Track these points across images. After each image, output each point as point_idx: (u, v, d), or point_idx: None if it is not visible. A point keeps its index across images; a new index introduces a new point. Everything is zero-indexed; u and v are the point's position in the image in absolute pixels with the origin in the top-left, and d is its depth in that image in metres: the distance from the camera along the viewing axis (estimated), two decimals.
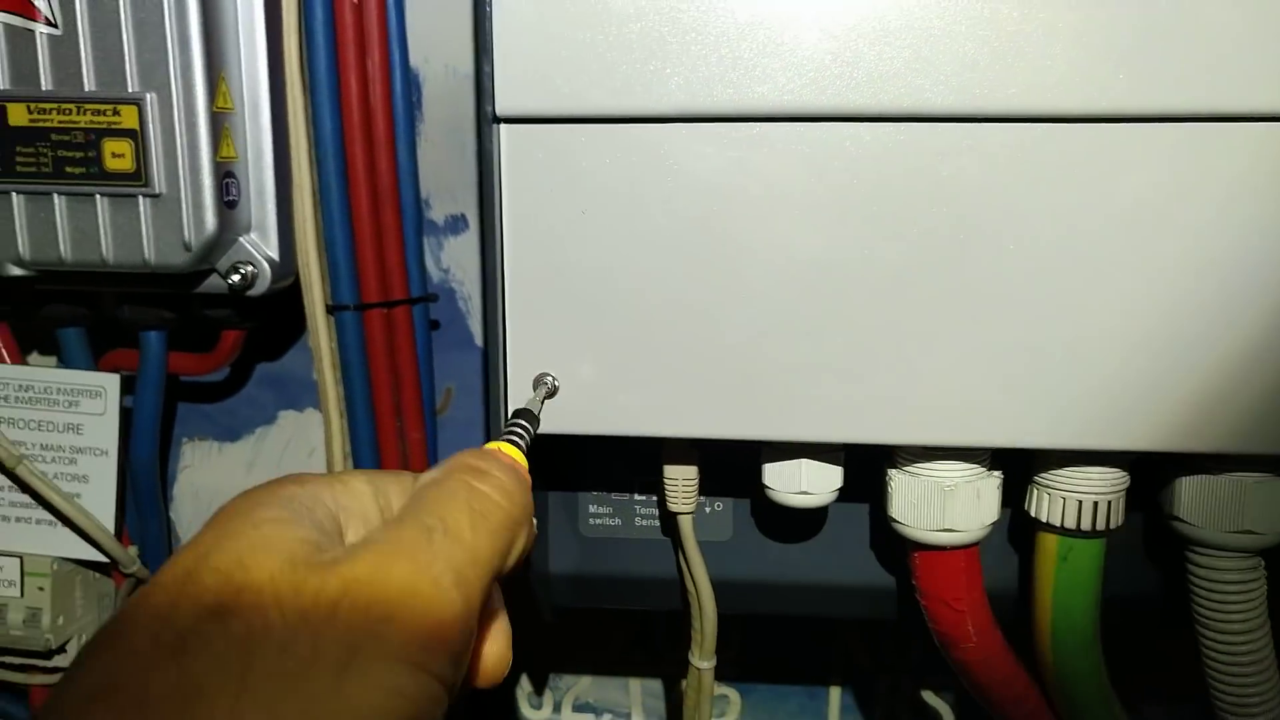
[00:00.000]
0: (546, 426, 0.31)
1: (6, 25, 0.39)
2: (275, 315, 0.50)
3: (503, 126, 0.30)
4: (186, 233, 0.41)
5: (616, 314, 0.31)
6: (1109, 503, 0.35)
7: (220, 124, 0.42)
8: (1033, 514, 0.36)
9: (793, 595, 0.41)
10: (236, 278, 0.44)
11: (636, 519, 0.41)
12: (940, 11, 0.29)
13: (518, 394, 0.32)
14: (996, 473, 0.36)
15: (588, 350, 0.32)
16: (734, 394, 0.32)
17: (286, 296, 0.47)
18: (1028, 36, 0.29)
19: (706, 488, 0.40)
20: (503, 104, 0.30)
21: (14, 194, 0.41)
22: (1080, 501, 0.35)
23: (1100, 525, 0.35)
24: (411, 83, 0.48)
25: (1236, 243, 0.30)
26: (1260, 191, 0.30)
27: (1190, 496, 0.35)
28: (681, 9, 0.29)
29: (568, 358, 0.32)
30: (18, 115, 0.40)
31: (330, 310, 0.47)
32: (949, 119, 0.29)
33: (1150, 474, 0.37)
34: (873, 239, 0.30)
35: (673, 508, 0.38)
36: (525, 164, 0.30)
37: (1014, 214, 0.30)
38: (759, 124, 0.30)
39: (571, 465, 0.42)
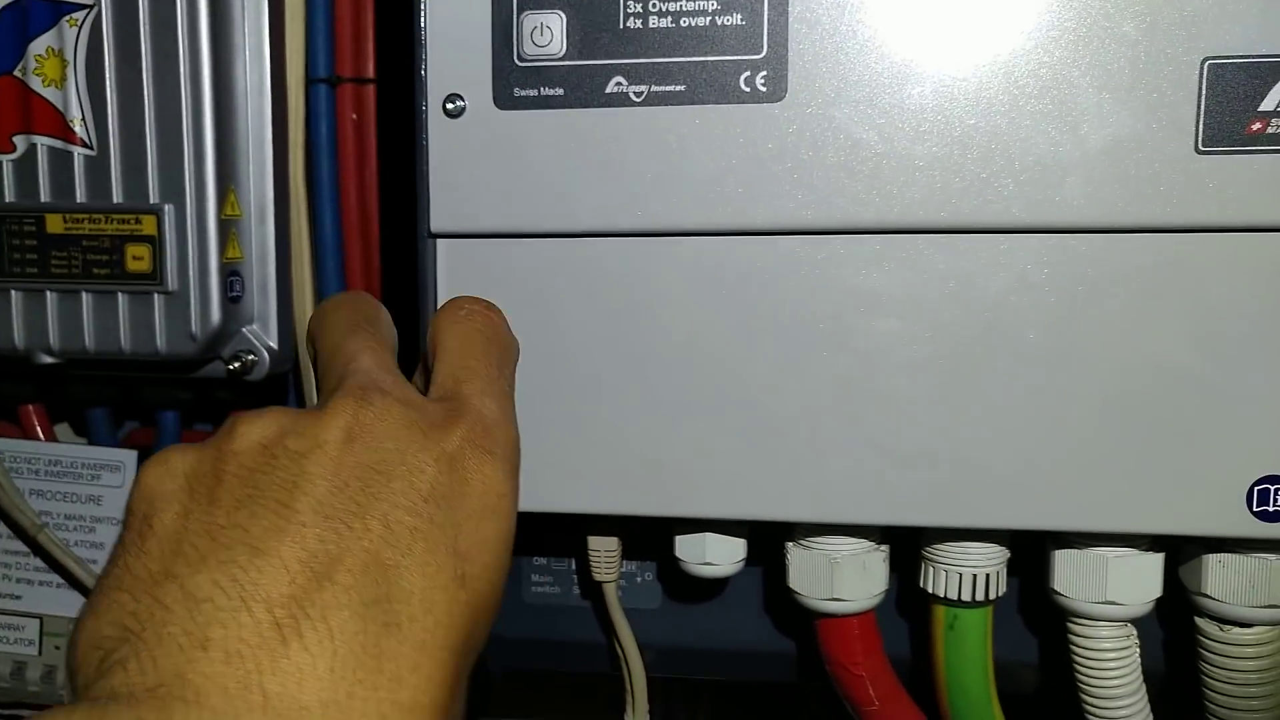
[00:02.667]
0: None
1: (50, 147, 0.46)
2: (279, 397, 0.55)
3: (438, 241, 0.35)
4: (194, 325, 0.46)
5: (539, 401, 0.35)
6: (988, 575, 0.37)
7: (228, 229, 0.47)
8: (921, 585, 0.39)
9: (724, 661, 0.44)
10: (236, 365, 0.49)
11: (574, 587, 0.44)
12: (806, 139, 0.33)
13: None
14: (884, 546, 0.38)
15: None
16: (646, 473, 0.35)
17: (290, 381, 0.51)
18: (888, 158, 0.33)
19: (637, 555, 0.43)
20: (436, 223, 0.35)
21: (48, 292, 0.47)
22: (961, 574, 0.37)
23: (981, 596, 0.38)
24: None
25: (1091, 338, 0.33)
26: (1111, 293, 0.33)
27: (1062, 569, 0.37)
28: (591, 142, 0.34)
29: None
30: (55, 224, 0.46)
31: None
32: (811, 232, 0.34)
33: (1033, 544, 0.39)
34: (762, 335, 0.34)
35: (596, 577, 0.42)
36: (457, 274, 0.35)
37: (882, 309, 0.34)
38: (659, 238, 0.34)
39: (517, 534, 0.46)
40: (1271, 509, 0.33)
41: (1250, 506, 0.33)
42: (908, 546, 0.39)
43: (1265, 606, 0.35)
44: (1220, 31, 0.31)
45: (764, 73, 0.33)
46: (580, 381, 0.35)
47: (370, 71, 0.50)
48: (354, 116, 0.51)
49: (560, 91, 0.34)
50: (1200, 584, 0.36)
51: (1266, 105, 0.32)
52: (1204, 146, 0.32)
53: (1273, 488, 0.33)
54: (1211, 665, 0.37)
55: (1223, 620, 0.36)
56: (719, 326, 0.34)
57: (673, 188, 0.34)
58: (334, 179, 0.51)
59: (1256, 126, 0.32)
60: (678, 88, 0.33)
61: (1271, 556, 0.35)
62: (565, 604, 0.45)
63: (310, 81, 0.49)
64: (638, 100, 0.34)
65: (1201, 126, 0.32)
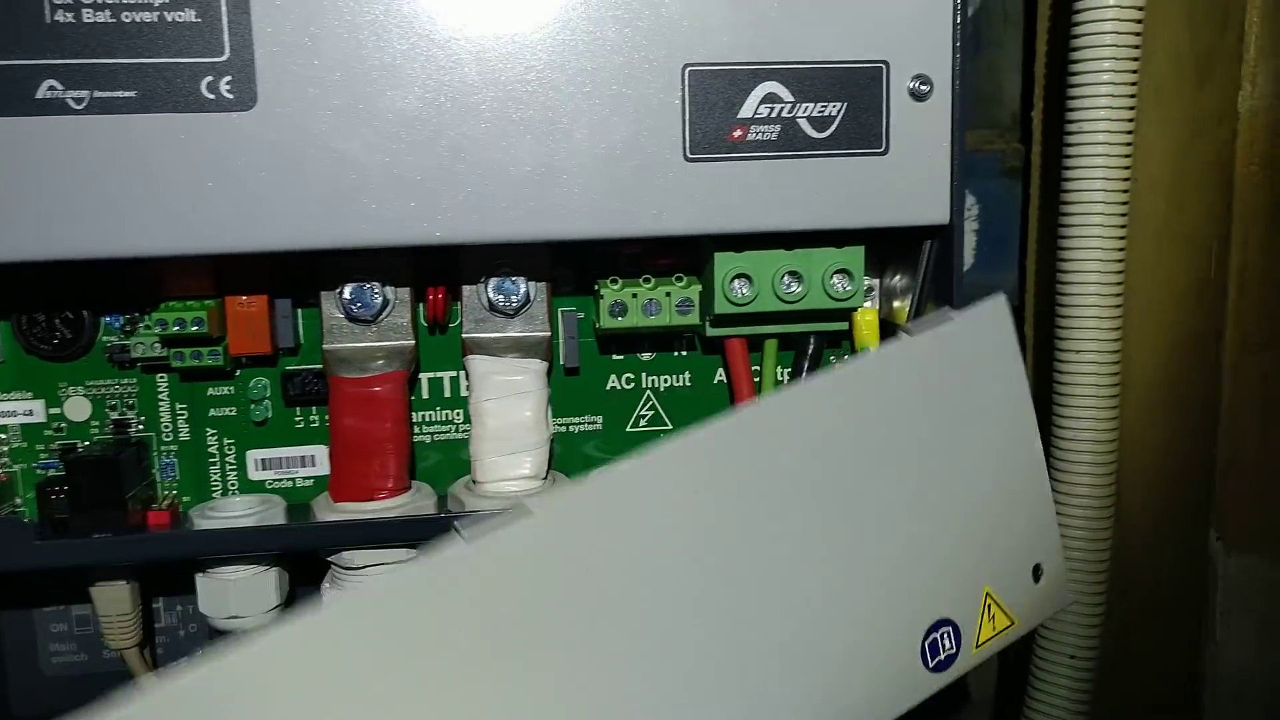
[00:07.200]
0: None
1: None
2: None
3: None
4: None
5: None
6: None
7: None
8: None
9: None
10: None
11: (105, 650, 0.39)
12: (283, 152, 0.30)
13: None
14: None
15: None
16: None
17: None
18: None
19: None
20: None
21: None
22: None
23: None
24: None
25: None
26: None
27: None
28: (22, 157, 0.29)
29: None
30: None
31: None
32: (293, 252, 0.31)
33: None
34: None
35: (111, 644, 0.37)
36: None
37: None
38: None
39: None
40: (944, 657, 0.30)
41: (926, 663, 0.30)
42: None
43: None
44: (696, 38, 0.31)
45: (228, 77, 0.30)
46: None
47: None
48: None
49: None
50: None
51: (744, 113, 0.32)
52: (691, 154, 0.32)
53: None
54: None
55: None
56: None
57: (130, 209, 0.30)
58: None
59: (737, 133, 0.32)
60: (127, 94, 0.29)
61: None
62: (96, 671, 0.40)
63: None
64: (79, 108, 0.29)
65: (688, 133, 0.32)
